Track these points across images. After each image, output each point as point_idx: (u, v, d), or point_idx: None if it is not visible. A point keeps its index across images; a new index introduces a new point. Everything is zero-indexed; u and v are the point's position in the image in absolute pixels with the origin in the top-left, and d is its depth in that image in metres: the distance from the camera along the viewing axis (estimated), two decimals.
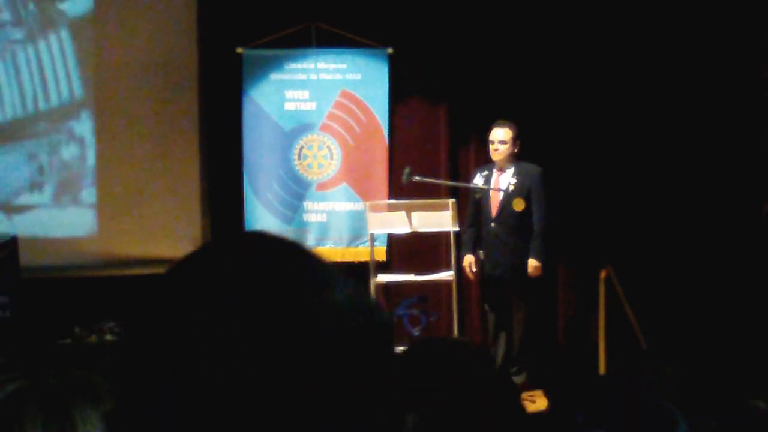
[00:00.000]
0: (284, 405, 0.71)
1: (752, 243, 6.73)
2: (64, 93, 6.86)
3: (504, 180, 6.37)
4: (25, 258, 6.21)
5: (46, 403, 1.07)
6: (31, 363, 1.15)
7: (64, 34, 6.82)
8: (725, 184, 6.84)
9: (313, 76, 7.13)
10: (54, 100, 6.85)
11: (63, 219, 6.85)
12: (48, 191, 6.84)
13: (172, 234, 6.94)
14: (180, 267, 0.81)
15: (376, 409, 0.76)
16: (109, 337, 6.28)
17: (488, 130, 6.41)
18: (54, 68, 6.84)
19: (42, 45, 6.80)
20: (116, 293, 6.54)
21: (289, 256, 0.79)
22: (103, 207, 6.89)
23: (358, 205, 7.01)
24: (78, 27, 6.83)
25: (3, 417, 1.05)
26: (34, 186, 6.83)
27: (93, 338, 6.30)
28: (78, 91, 6.89)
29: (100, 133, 6.89)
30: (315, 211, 7.13)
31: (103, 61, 6.87)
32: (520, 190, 6.28)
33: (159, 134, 6.98)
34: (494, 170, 6.41)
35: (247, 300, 0.73)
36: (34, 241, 6.58)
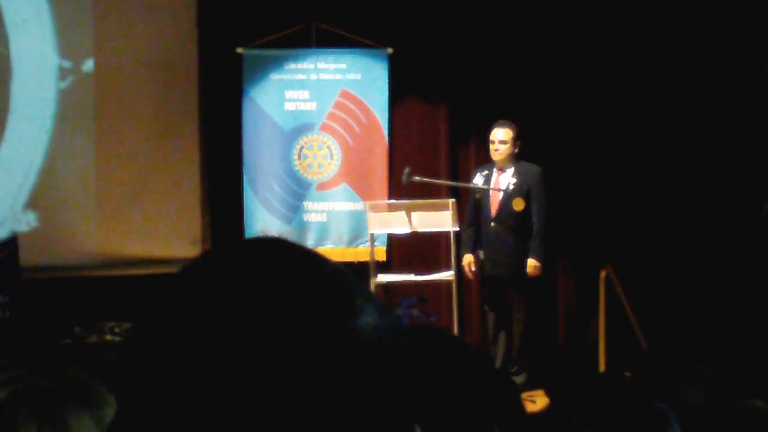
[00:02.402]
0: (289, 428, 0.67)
1: (752, 243, 6.73)
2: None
3: (504, 180, 6.37)
4: (25, 258, 6.21)
5: (40, 407, 1.06)
6: (28, 364, 1.13)
7: None
8: (725, 183, 6.84)
9: (313, 76, 7.13)
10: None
11: (63, 219, 6.84)
12: (48, 191, 6.84)
13: (172, 234, 6.94)
14: (194, 269, 0.74)
15: None
16: (109, 337, 6.27)
17: (488, 130, 6.41)
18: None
19: None
20: (116, 293, 6.53)
21: (312, 270, 0.73)
22: (103, 207, 6.89)
23: (358, 205, 7.01)
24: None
25: None
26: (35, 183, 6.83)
27: (93, 338, 6.29)
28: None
29: (100, 132, 6.88)
30: (315, 211, 7.13)
31: (103, 61, 6.86)
32: (520, 190, 6.28)
33: (159, 134, 6.97)
34: (494, 170, 6.42)
35: (264, 313, 0.68)
36: (34, 241, 6.57)
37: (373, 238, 6.74)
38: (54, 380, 1.10)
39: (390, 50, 7.10)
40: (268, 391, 0.67)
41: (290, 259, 0.74)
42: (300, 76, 7.13)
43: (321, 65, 7.14)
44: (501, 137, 6.33)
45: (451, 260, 6.50)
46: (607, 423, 1.14)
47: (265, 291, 0.70)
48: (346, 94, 7.13)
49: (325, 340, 0.69)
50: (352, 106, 7.13)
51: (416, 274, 6.66)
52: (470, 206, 6.52)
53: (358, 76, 7.13)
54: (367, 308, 0.72)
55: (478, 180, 6.48)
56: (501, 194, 6.32)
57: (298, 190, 7.12)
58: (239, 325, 0.68)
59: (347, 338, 0.70)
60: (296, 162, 7.12)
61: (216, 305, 0.70)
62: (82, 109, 6.87)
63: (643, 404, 1.16)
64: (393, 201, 6.82)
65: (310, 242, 7.00)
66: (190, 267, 0.75)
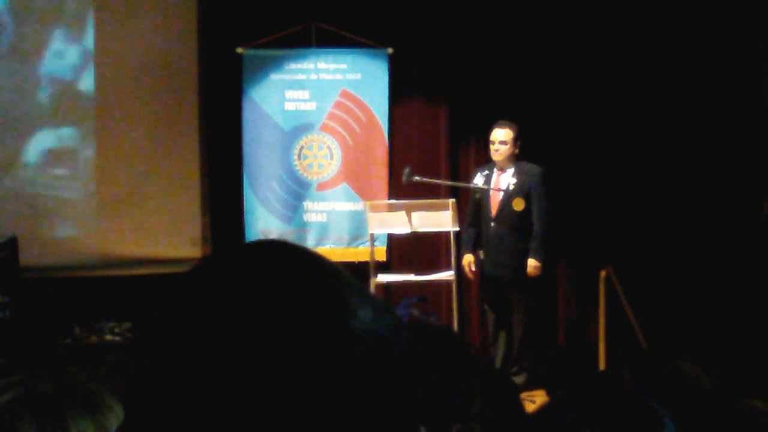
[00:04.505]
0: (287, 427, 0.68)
1: (752, 242, 6.73)
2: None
3: (504, 180, 6.38)
4: (25, 258, 6.22)
5: (40, 411, 1.06)
6: (29, 366, 1.13)
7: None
8: (725, 183, 6.84)
9: (313, 76, 7.13)
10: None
11: (63, 219, 6.84)
12: (48, 191, 6.84)
13: (172, 234, 6.94)
14: (195, 273, 0.77)
15: None
16: (109, 337, 6.28)
17: (489, 131, 6.42)
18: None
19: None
20: (116, 293, 6.54)
21: (308, 270, 0.75)
22: (103, 207, 6.89)
23: (358, 205, 7.01)
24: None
25: None
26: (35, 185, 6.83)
27: (93, 338, 6.30)
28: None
29: (100, 133, 6.89)
30: (315, 211, 7.13)
31: (103, 62, 6.87)
32: (520, 190, 6.29)
33: (159, 134, 6.98)
34: (495, 170, 6.42)
35: (261, 316, 0.70)
36: (34, 241, 6.58)
37: (373, 238, 6.75)
38: (55, 384, 1.10)
39: (390, 50, 7.10)
40: (268, 392, 0.68)
41: (287, 261, 0.75)
42: (300, 76, 7.13)
43: (321, 65, 7.14)
44: (501, 137, 6.33)
45: (451, 260, 6.50)
46: (600, 422, 1.14)
47: (263, 294, 0.71)
48: (346, 94, 7.13)
49: (320, 342, 0.70)
50: (352, 106, 7.13)
51: (416, 274, 6.66)
52: (470, 206, 6.53)
53: (358, 76, 7.13)
54: (362, 308, 0.73)
55: (478, 180, 6.48)
56: (501, 194, 6.33)
57: (298, 190, 7.12)
58: (237, 328, 0.70)
59: (342, 339, 0.71)
60: (296, 162, 7.12)
61: (215, 309, 0.71)
62: (83, 110, 6.87)
63: (637, 404, 1.16)
64: (393, 201, 6.82)
65: (310, 242, 7.00)
66: (191, 272, 0.77)
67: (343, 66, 7.14)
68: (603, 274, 6.33)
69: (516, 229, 6.29)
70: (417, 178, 6.47)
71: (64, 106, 6.84)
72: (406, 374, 0.74)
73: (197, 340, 0.70)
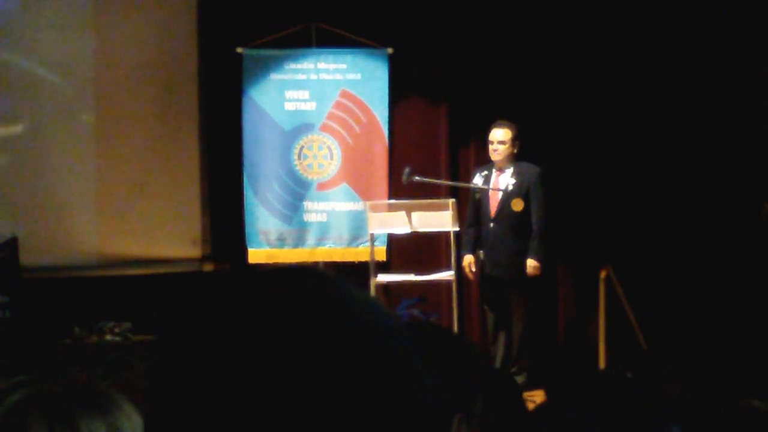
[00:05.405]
0: None
1: (752, 243, 6.73)
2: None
3: (503, 180, 6.38)
4: (25, 258, 6.22)
5: (52, 414, 1.06)
6: (36, 368, 1.13)
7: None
8: (725, 183, 6.84)
9: (313, 76, 7.13)
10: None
11: (63, 219, 6.84)
12: (48, 191, 6.84)
13: (172, 234, 6.94)
14: (227, 285, 0.80)
15: None
16: (109, 337, 6.29)
17: (488, 130, 6.42)
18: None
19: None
20: (116, 293, 6.54)
21: (332, 297, 0.78)
22: (103, 207, 6.89)
23: (358, 205, 7.01)
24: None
25: (7, 428, 1.04)
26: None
27: (93, 338, 6.30)
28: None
29: (100, 133, 6.89)
30: (315, 211, 7.13)
31: (103, 61, 6.87)
32: (519, 190, 6.29)
33: (159, 134, 6.98)
34: (493, 170, 6.43)
35: (281, 329, 0.73)
36: (34, 241, 6.58)
37: (373, 238, 6.75)
38: (66, 385, 1.10)
39: (390, 50, 7.10)
40: (300, 406, 0.70)
41: (318, 286, 0.78)
42: (300, 76, 7.13)
43: (321, 65, 7.14)
44: (500, 137, 6.33)
45: (451, 260, 6.51)
46: (600, 422, 1.14)
47: (282, 311, 0.74)
48: (346, 94, 7.13)
49: (336, 354, 0.73)
50: (352, 106, 7.13)
51: (416, 274, 6.66)
52: (470, 206, 6.53)
53: (358, 76, 7.13)
54: (382, 321, 0.77)
55: (477, 180, 6.49)
56: (500, 194, 6.33)
57: (298, 190, 7.12)
58: (261, 347, 0.73)
59: (360, 352, 0.74)
60: (296, 162, 7.13)
61: (236, 324, 0.74)
62: (82, 109, 6.87)
63: (638, 404, 1.16)
64: (393, 201, 6.82)
65: (310, 242, 7.01)
66: (224, 288, 0.80)
67: (343, 66, 7.14)
68: (603, 274, 6.33)
69: (515, 229, 6.29)
70: (417, 178, 6.47)
71: (64, 106, 6.84)
72: (427, 391, 0.76)
73: (219, 351, 0.73)
